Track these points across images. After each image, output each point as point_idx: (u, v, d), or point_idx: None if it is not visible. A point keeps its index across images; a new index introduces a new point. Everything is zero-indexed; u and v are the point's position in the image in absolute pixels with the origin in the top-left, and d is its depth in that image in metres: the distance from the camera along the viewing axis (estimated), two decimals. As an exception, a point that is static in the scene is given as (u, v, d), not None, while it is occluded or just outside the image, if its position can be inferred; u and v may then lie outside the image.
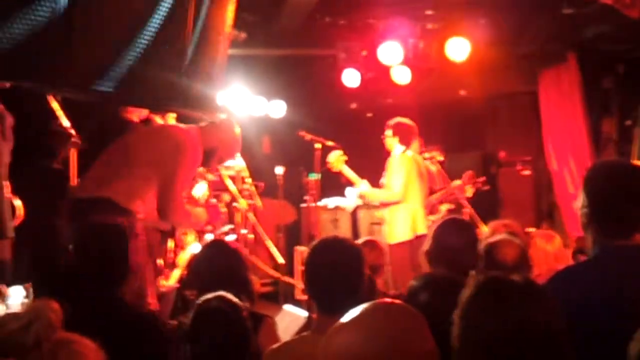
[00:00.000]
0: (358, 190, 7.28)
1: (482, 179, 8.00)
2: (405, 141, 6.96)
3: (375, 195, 7.08)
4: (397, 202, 6.76)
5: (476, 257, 3.45)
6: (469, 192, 7.90)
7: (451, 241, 3.45)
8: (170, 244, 5.52)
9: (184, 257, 5.40)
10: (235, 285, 3.16)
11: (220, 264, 3.56)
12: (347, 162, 7.12)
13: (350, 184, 7.39)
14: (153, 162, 4.61)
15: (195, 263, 3.86)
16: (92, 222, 3.71)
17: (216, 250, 3.73)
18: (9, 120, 4.97)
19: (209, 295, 2.93)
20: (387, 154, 7.15)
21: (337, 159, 7.06)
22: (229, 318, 2.84)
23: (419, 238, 6.35)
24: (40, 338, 2.00)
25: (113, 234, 3.23)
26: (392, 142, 6.99)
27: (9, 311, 5.07)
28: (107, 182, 4.53)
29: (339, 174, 7.19)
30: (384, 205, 6.94)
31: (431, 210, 7.34)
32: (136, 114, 5.40)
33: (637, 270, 2.51)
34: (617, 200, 2.58)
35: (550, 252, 4.34)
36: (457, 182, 7.72)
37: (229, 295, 2.94)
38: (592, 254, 2.66)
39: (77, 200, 4.57)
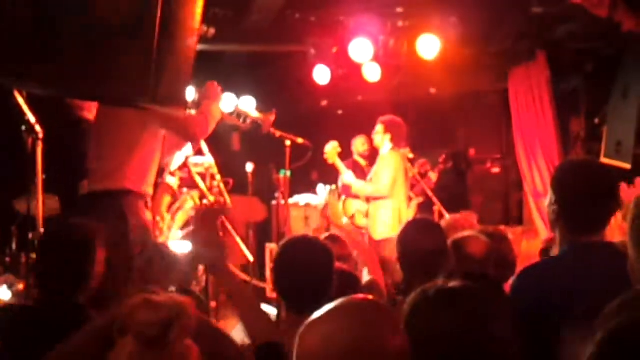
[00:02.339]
0: (345, 181, 7.37)
1: (442, 157, 8.07)
2: (396, 139, 7.06)
3: (362, 188, 7.17)
4: (383, 198, 6.86)
5: (446, 256, 3.43)
6: (433, 177, 8.01)
7: (418, 243, 3.42)
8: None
9: None
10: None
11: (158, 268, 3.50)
12: (317, 159, 7.16)
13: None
14: (126, 122, 4.63)
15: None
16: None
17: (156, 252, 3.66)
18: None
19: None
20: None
21: (333, 150, 7.25)
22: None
23: None
24: (176, 340, 1.86)
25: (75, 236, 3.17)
26: (382, 138, 7.07)
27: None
28: (98, 172, 4.64)
29: (313, 169, 7.25)
30: (369, 199, 7.04)
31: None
32: (92, 112, 5.33)
33: (602, 265, 2.56)
34: (585, 197, 2.62)
35: (539, 248, 4.39)
36: (432, 175, 7.82)
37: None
38: (560, 250, 2.69)
39: (82, 198, 4.65)
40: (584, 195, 2.63)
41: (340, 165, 7.46)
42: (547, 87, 8.08)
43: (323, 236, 4.96)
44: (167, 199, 6.36)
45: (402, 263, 3.47)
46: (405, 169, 7.07)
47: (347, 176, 7.34)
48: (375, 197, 7.02)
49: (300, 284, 2.73)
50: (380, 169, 7.01)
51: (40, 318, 2.95)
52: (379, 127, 7.16)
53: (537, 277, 2.68)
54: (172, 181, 6.23)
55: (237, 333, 3.85)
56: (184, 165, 6.31)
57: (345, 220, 7.49)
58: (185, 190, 6.55)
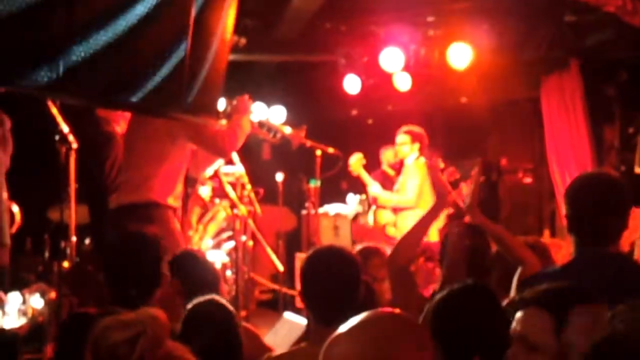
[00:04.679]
0: (371, 192, 7.35)
1: (475, 170, 7.99)
2: (422, 149, 7.06)
3: (389, 199, 7.14)
4: (410, 208, 6.84)
5: (490, 259, 3.47)
6: (464, 189, 7.94)
7: (466, 245, 3.45)
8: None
9: None
10: (206, 294, 3.13)
11: (191, 274, 3.51)
12: (347, 169, 7.17)
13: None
14: (155, 137, 4.68)
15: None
16: (126, 232, 3.74)
17: (188, 260, 3.67)
18: (8, 123, 4.96)
19: (201, 299, 2.89)
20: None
21: (357, 162, 7.24)
22: (220, 322, 2.80)
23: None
24: (145, 353, 1.93)
25: (146, 244, 3.21)
26: (410, 148, 7.05)
27: (7, 317, 5.04)
28: (126, 184, 4.68)
29: (343, 179, 7.26)
30: (396, 210, 7.01)
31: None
32: (121, 126, 5.38)
33: (607, 276, 2.61)
34: (593, 211, 2.70)
35: (559, 261, 4.36)
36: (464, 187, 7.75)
37: (221, 300, 2.90)
38: (570, 259, 2.81)
39: (112, 211, 4.67)
40: (591, 208, 2.70)
41: (366, 176, 7.44)
42: (581, 96, 7.98)
43: (360, 246, 4.96)
44: (197, 210, 6.40)
45: (444, 262, 3.50)
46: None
47: (373, 188, 7.33)
48: (402, 208, 7.00)
49: (327, 294, 2.71)
50: (407, 179, 6.99)
51: None
52: (406, 138, 7.11)
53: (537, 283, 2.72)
54: (205, 192, 6.26)
55: (268, 340, 3.86)
56: (215, 175, 6.34)
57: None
58: (217, 201, 6.58)
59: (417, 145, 7.09)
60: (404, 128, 7.19)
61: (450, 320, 2.42)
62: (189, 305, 2.90)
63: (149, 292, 3.14)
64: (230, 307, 2.92)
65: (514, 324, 2.07)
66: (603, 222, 2.69)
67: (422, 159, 7.09)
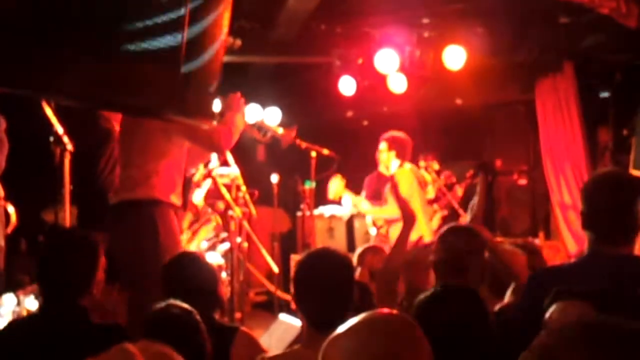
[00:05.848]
0: (362, 209, 7.27)
1: (469, 172, 7.99)
2: (402, 155, 6.94)
3: (379, 212, 7.05)
4: (398, 219, 6.76)
5: (484, 263, 3.47)
6: (459, 191, 7.93)
7: (461, 248, 3.44)
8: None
9: None
10: (206, 296, 3.10)
11: (190, 276, 3.49)
12: (342, 170, 7.12)
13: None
14: (152, 136, 4.67)
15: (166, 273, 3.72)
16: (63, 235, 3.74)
17: (187, 262, 3.65)
18: (3, 124, 4.94)
19: (161, 304, 2.86)
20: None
21: (338, 187, 7.09)
22: (183, 323, 2.78)
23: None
24: None
25: (79, 246, 3.19)
26: (388, 156, 6.96)
27: (1, 319, 5.03)
28: (127, 181, 4.65)
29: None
30: (389, 222, 6.91)
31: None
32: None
33: (615, 277, 2.59)
34: (610, 210, 2.68)
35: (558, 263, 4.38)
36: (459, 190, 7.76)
37: (180, 303, 2.87)
38: (583, 257, 2.80)
39: (113, 207, 4.66)
40: (608, 207, 2.68)
41: (353, 196, 7.27)
42: (575, 98, 8.00)
43: (363, 247, 4.96)
44: (189, 216, 6.39)
45: (440, 266, 3.49)
46: (418, 183, 6.95)
47: (363, 205, 7.20)
48: (392, 219, 6.87)
49: (319, 298, 2.69)
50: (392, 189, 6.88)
51: (46, 326, 3.00)
52: (383, 145, 7.00)
53: (547, 277, 2.78)
54: (198, 197, 6.23)
55: (263, 341, 3.86)
56: (209, 175, 6.32)
57: (374, 231, 7.46)
58: (209, 210, 6.56)
59: (393, 153, 6.93)
60: (385, 135, 7.06)
61: (435, 323, 2.41)
62: (149, 311, 2.86)
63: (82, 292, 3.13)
64: (192, 310, 2.88)
65: (552, 314, 2.18)
66: (619, 221, 2.68)
67: (408, 165, 6.99)
